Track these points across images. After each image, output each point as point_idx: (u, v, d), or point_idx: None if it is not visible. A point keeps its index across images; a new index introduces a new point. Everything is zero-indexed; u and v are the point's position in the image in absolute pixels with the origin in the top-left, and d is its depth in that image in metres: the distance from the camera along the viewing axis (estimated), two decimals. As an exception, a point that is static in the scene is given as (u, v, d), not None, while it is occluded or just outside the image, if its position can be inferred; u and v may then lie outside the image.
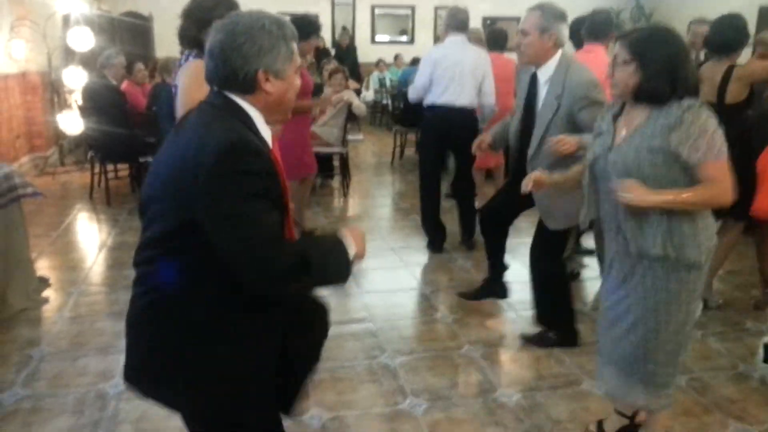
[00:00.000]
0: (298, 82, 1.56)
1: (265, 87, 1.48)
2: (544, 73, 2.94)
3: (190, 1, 2.63)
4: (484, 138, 3.42)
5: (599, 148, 2.16)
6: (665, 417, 2.36)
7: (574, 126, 2.83)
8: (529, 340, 3.31)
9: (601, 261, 3.98)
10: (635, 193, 1.94)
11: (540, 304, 3.34)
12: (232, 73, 1.45)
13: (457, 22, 4.43)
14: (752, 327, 3.53)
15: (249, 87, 1.47)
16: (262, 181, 1.39)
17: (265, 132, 1.53)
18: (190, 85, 2.47)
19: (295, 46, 1.52)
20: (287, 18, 1.54)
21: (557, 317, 3.30)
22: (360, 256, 1.56)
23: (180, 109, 2.62)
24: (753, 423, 2.63)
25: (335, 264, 1.51)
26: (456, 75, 4.32)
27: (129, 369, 1.60)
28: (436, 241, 4.76)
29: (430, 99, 4.43)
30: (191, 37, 2.54)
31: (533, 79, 3.02)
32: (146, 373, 1.58)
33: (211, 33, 1.48)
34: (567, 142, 2.69)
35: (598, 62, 3.58)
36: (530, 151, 3.00)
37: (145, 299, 1.54)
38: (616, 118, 2.15)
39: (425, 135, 4.76)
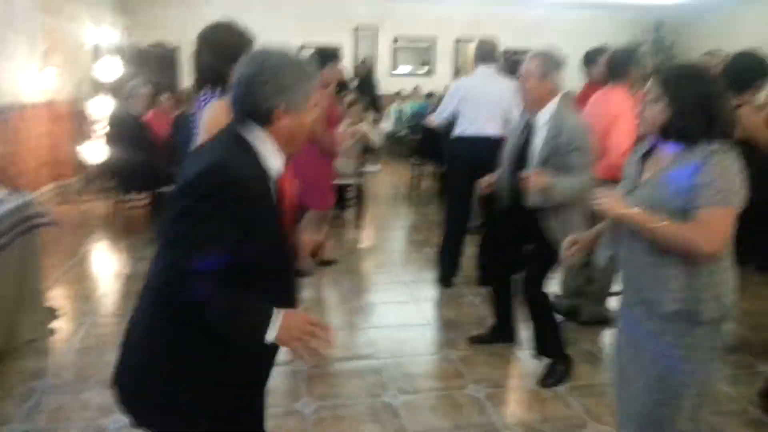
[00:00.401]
0: (312, 118, 1.64)
1: (282, 121, 1.57)
2: (542, 118, 3.03)
3: (210, 38, 2.62)
4: (490, 181, 3.36)
5: (623, 188, 2.09)
6: None
7: (562, 168, 2.93)
8: (545, 383, 3.24)
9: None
10: (609, 201, 1.88)
11: (539, 335, 3.33)
12: (254, 104, 1.56)
13: (484, 53, 4.51)
14: (766, 370, 3.42)
15: (266, 119, 1.57)
16: (233, 207, 1.46)
17: (274, 161, 1.60)
18: (209, 123, 2.51)
19: (313, 84, 1.62)
20: (308, 56, 1.62)
21: (557, 343, 3.31)
22: (284, 338, 1.48)
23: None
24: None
25: (246, 322, 1.50)
26: (483, 105, 4.38)
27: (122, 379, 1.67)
28: (448, 276, 4.72)
29: (459, 130, 4.48)
30: (216, 73, 2.50)
31: (527, 126, 3.11)
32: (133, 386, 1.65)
33: (239, 65, 1.59)
34: (538, 180, 2.83)
35: (614, 102, 3.56)
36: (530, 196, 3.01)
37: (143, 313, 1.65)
38: (645, 158, 2.07)
39: (453, 165, 4.74)
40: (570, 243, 2.30)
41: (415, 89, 12.14)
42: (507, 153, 3.26)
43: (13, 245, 3.40)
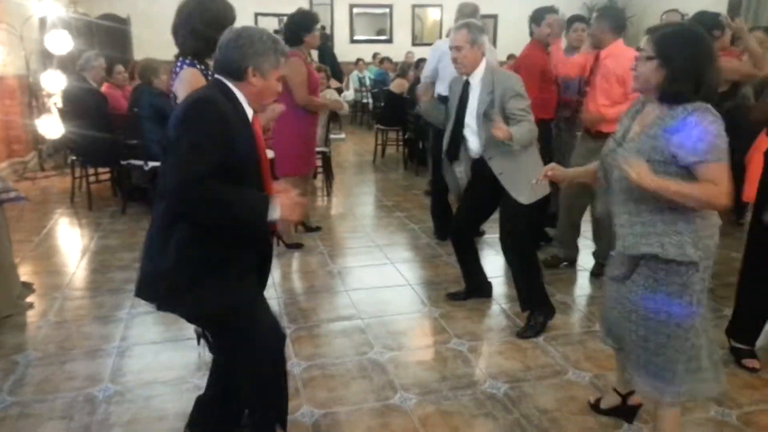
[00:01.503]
0: (278, 88, 2.05)
1: (251, 80, 1.96)
2: (475, 78, 3.35)
3: (203, 7, 2.73)
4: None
5: (612, 143, 2.19)
6: (673, 420, 2.26)
7: (504, 116, 3.22)
8: (524, 335, 3.35)
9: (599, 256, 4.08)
10: (637, 170, 1.91)
11: (522, 288, 3.45)
12: (230, 62, 1.95)
13: (462, 16, 4.56)
14: (729, 313, 3.59)
15: (239, 76, 1.96)
16: (209, 132, 1.82)
17: (247, 109, 2.00)
18: (189, 85, 2.69)
19: (282, 60, 2.01)
20: (280, 37, 2.05)
21: (538, 295, 3.42)
22: (284, 216, 1.88)
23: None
24: (732, 407, 2.70)
25: (250, 205, 1.87)
26: None
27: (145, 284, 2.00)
28: (442, 229, 4.87)
29: (439, 90, 4.63)
30: (205, 40, 2.69)
31: (465, 86, 3.40)
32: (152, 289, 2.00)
33: (224, 34, 1.98)
34: (501, 128, 3.08)
35: (629, 53, 3.69)
36: (477, 146, 3.37)
37: (151, 233, 2.01)
38: (636, 114, 2.17)
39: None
40: (549, 169, 2.45)
41: (375, 56, 12.08)
42: (450, 110, 3.55)
43: (-21, 221, 3.31)
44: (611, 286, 2.31)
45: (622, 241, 2.12)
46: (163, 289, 1.95)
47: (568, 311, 3.66)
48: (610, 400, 2.61)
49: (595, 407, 2.65)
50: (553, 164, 2.54)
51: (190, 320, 2.27)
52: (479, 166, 3.40)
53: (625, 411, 2.58)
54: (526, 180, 3.20)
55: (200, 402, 2.37)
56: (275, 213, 1.85)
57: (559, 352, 3.18)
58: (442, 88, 4.55)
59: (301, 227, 5.02)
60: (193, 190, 1.77)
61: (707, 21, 3.69)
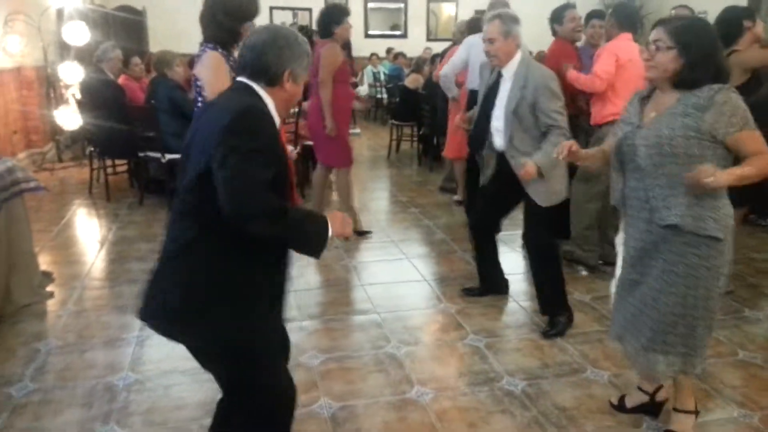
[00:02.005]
0: (300, 91, 1.90)
1: (285, 85, 1.82)
2: (509, 70, 3.24)
3: (217, 6, 2.83)
4: (466, 115, 3.67)
5: (626, 129, 2.26)
6: (689, 392, 2.44)
7: (534, 113, 3.16)
8: (549, 333, 3.32)
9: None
10: (717, 176, 1.99)
11: (542, 291, 3.41)
12: (267, 66, 1.78)
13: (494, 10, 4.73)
14: (750, 315, 3.58)
15: (274, 81, 1.80)
16: (265, 144, 1.67)
17: (276, 117, 1.82)
18: (211, 78, 2.80)
19: (309, 63, 1.88)
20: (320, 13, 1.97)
21: (559, 299, 3.39)
22: (338, 234, 1.78)
23: (209, 92, 2.85)
24: (754, 409, 2.68)
25: (311, 231, 1.74)
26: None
27: (148, 308, 1.80)
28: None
29: (470, 84, 4.80)
30: (228, 31, 2.76)
31: (498, 77, 3.32)
32: (166, 312, 1.77)
33: (253, 33, 1.83)
34: (528, 171, 3.04)
35: (634, 49, 3.71)
36: (501, 141, 3.27)
37: (173, 254, 1.79)
38: (644, 101, 2.26)
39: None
40: (572, 144, 2.44)
41: (389, 51, 12.05)
42: (480, 103, 3.46)
43: (0, 210, 3.34)
44: (627, 290, 2.36)
45: (658, 213, 2.18)
46: (173, 313, 1.75)
47: (586, 310, 3.65)
48: (636, 399, 2.61)
49: (619, 407, 2.63)
50: (573, 141, 2.53)
51: (198, 354, 1.88)
52: (503, 161, 3.31)
53: (653, 407, 2.59)
54: (548, 184, 3.18)
55: None
56: (330, 231, 1.76)
57: (577, 350, 3.16)
58: (471, 82, 4.75)
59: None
60: (257, 204, 1.61)
61: (739, 12, 3.70)
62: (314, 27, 4.66)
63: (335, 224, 1.78)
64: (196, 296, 1.72)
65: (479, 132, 3.42)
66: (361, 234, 4.97)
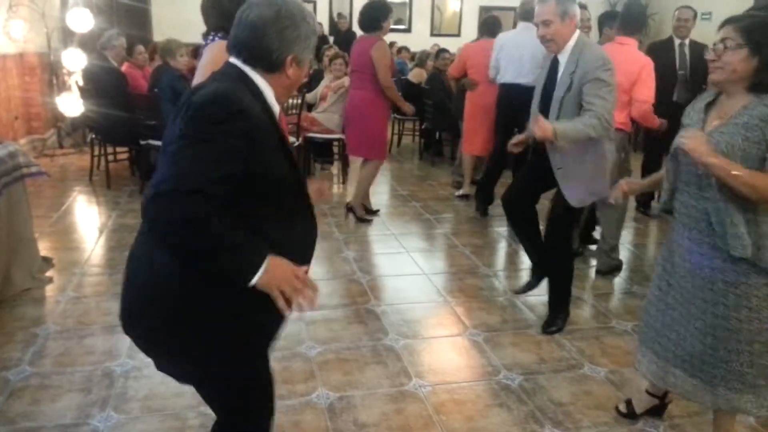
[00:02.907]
0: (304, 75, 1.66)
1: (288, 71, 1.55)
2: (564, 55, 2.98)
3: None
4: (520, 139, 3.23)
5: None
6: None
7: (579, 102, 2.90)
8: (549, 330, 3.29)
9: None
10: (695, 143, 1.86)
11: (554, 290, 3.37)
12: (267, 50, 1.50)
13: (523, 12, 5.01)
14: None
15: (275, 67, 1.53)
16: (231, 137, 1.39)
17: (274, 105, 1.57)
18: (209, 62, 2.64)
19: (315, 41, 1.61)
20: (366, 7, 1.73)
21: (565, 300, 3.37)
22: (263, 284, 1.41)
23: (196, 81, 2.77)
24: None
25: (237, 257, 1.40)
26: (516, 57, 4.86)
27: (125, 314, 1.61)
28: (485, 205, 5.31)
29: (500, 78, 5.03)
30: (214, 25, 2.71)
31: (554, 63, 3.06)
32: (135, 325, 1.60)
33: (251, 6, 1.51)
34: (541, 126, 2.76)
35: (629, 57, 3.70)
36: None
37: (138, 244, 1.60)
38: (708, 107, 2.09)
39: (497, 110, 5.18)
40: (624, 184, 2.38)
41: (392, 46, 11.98)
42: (535, 94, 3.24)
43: (1, 195, 3.33)
44: (673, 276, 2.18)
45: (722, 239, 1.99)
46: (146, 325, 1.55)
47: (583, 306, 3.65)
48: (646, 403, 2.55)
49: (629, 415, 2.56)
50: (626, 179, 2.47)
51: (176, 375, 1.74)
52: (543, 146, 3.06)
53: (661, 409, 2.57)
54: (583, 182, 3.04)
55: None
56: (257, 275, 1.39)
57: (574, 346, 3.17)
58: (501, 76, 4.99)
59: (362, 211, 5.14)
60: (175, 199, 1.32)
61: None
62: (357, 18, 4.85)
63: (274, 273, 1.41)
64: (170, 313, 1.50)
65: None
66: (361, 221, 5.06)
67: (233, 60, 1.55)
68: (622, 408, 2.60)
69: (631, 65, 3.67)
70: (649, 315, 2.30)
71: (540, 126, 2.77)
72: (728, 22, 1.97)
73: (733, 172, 1.85)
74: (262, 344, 1.67)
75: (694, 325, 2.10)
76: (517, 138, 3.23)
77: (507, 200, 3.37)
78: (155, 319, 1.52)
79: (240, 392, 1.66)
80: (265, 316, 1.54)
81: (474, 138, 5.60)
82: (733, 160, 1.88)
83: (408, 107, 5.09)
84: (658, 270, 2.28)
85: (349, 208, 5.10)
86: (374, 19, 4.63)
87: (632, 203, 5.09)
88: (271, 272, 1.41)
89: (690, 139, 1.90)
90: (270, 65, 1.52)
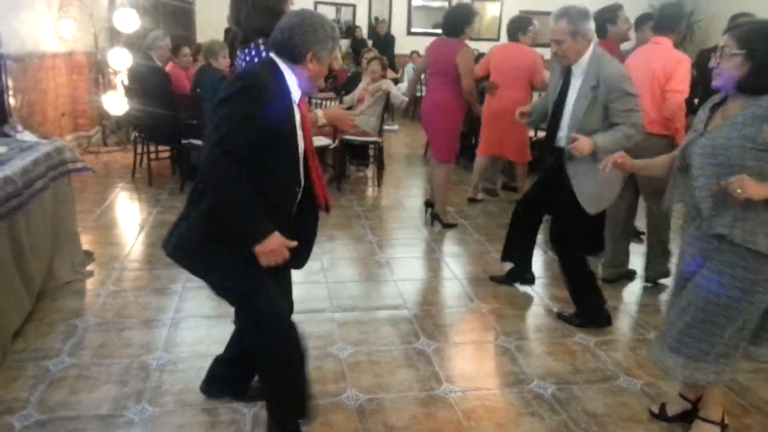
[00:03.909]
0: (325, 71, 2.18)
1: (309, 65, 2.07)
2: (579, 68, 3.13)
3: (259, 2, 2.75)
4: (525, 108, 3.56)
5: (693, 134, 2.23)
6: (716, 402, 2.41)
7: (606, 114, 3.07)
8: (565, 317, 3.46)
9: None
10: (744, 187, 1.96)
11: (570, 285, 3.47)
12: (292, 46, 2.04)
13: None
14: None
15: (298, 60, 2.06)
16: (249, 104, 1.93)
17: (294, 89, 2.09)
18: None
19: (336, 47, 2.16)
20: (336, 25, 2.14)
21: (586, 299, 3.41)
22: (261, 252, 2.00)
23: None
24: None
25: (245, 219, 1.98)
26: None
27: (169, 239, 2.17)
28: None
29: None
30: (263, 32, 2.66)
31: (567, 73, 3.20)
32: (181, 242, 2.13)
33: (286, 16, 2.11)
34: (578, 147, 2.97)
35: (665, 54, 3.65)
36: (564, 138, 3.18)
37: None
38: (715, 107, 2.22)
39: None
40: (619, 156, 2.49)
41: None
42: (553, 100, 3.33)
43: (48, 189, 3.44)
44: (683, 274, 2.35)
45: (707, 223, 2.15)
46: (182, 245, 2.10)
47: (619, 317, 3.58)
48: (677, 407, 2.57)
49: (660, 416, 2.59)
50: (622, 152, 2.54)
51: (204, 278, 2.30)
52: (556, 155, 3.28)
53: (693, 415, 2.53)
54: (599, 190, 3.18)
55: (217, 361, 2.59)
56: (259, 245, 1.98)
57: (610, 357, 3.11)
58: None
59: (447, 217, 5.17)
60: (214, 157, 1.92)
61: None
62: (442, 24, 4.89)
63: (268, 245, 1.99)
64: (201, 238, 2.07)
65: (552, 129, 3.32)
66: (447, 226, 5.06)
67: (271, 54, 2.10)
68: (655, 409, 2.62)
69: (668, 61, 3.60)
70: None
71: (578, 147, 2.96)
72: (729, 30, 2.10)
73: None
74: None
75: (681, 304, 2.27)
76: (523, 109, 3.51)
77: (518, 205, 3.66)
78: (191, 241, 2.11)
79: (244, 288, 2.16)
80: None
81: (487, 140, 5.62)
82: (730, 154, 2.04)
83: (480, 111, 5.38)
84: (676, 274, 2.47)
85: (434, 215, 5.08)
86: (458, 24, 4.69)
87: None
88: (266, 246, 1.99)
89: (740, 189, 1.99)
90: (294, 58, 2.06)
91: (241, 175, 1.93)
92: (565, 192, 3.24)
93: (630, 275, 4.10)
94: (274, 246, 1.99)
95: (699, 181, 2.17)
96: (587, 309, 3.41)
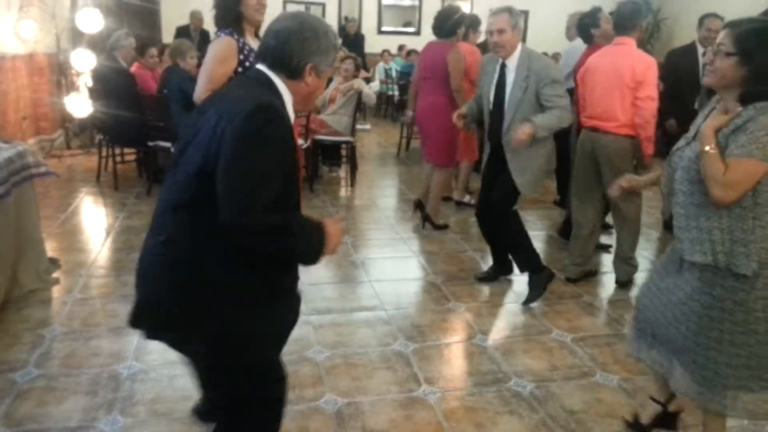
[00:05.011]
0: (323, 87, 1.81)
1: (307, 79, 1.69)
2: (512, 61, 3.46)
3: None
4: (460, 110, 3.82)
5: (682, 141, 2.11)
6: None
7: (538, 101, 3.40)
8: (531, 300, 3.63)
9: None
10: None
11: (516, 254, 3.77)
12: (289, 57, 1.65)
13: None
14: None
15: (295, 73, 1.68)
16: (280, 145, 1.56)
17: (291, 112, 1.70)
18: (215, 58, 2.69)
19: (336, 57, 1.76)
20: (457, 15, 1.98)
21: (534, 260, 3.69)
22: (329, 251, 1.70)
23: (200, 78, 2.78)
24: None
25: (311, 243, 1.66)
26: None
27: (139, 313, 1.75)
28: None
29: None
30: (234, 13, 2.78)
31: (502, 68, 3.51)
32: (159, 319, 1.71)
33: (279, 18, 1.70)
34: (521, 131, 3.27)
35: (632, 58, 3.62)
36: (504, 127, 3.50)
37: (162, 248, 1.68)
38: (710, 114, 2.07)
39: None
40: (625, 181, 2.44)
41: (401, 48, 11.98)
42: (483, 91, 3.65)
43: (11, 195, 3.32)
44: (662, 277, 2.21)
45: (680, 245, 2.05)
46: (174, 311, 1.66)
47: (595, 313, 3.61)
48: (650, 411, 2.48)
49: (635, 425, 2.47)
50: (627, 176, 2.50)
51: (197, 356, 1.82)
52: (498, 147, 3.58)
53: (668, 419, 2.46)
54: (534, 177, 3.54)
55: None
56: (326, 243, 1.69)
57: (586, 353, 3.12)
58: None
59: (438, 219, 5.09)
60: (258, 220, 1.51)
61: None
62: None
63: (331, 239, 1.70)
64: (189, 298, 1.63)
65: (496, 123, 3.56)
66: (438, 228, 5.00)
67: (260, 66, 1.70)
68: (629, 418, 2.51)
69: (637, 66, 3.57)
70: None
71: (518, 137, 3.28)
72: (728, 26, 1.94)
73: (705, 148, 1.88)
74: (276, 342, 1.83)
75: (670, 314, 2.13)
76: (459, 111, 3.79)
77: (479, 214, 3.87)
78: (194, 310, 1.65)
79: (251, 383, 1.77)
80: (282, 311, 1.78)
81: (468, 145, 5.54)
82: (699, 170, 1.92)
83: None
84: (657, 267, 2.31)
85: (426, 217, 5.00)
86: (449, 25, 4.72)
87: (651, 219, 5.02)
88: (331, 239, 1.69)
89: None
90: (291, 71, 1.67)
91: (280, 217, 1.55)
92: (505, 176, 3.56)
93: (593, 274, 4.12)
94: (334, 231, 1.71)
95: (677, 198, 2.04)
96: (533, 265, 3.67)
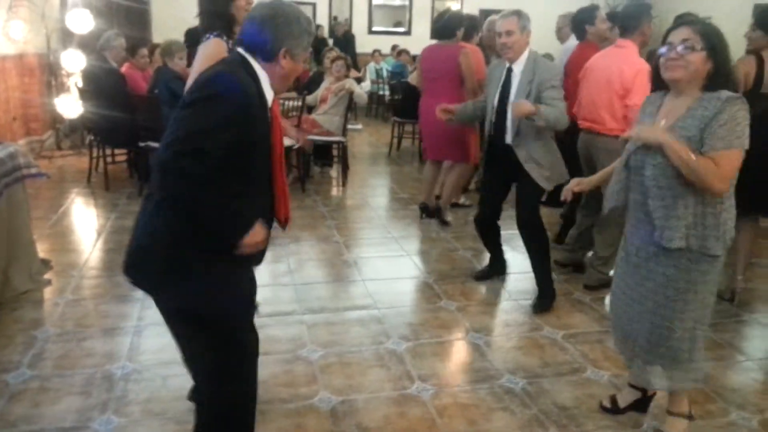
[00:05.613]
0: (300, 69, 1.93)
1: (282, 62, 1.83)
2: (519, 65, 3.46)
3: None
4: (451, 106, 3.90)
5: (630, 145, 2.24)
6: (683, 396, 2.43)
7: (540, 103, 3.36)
8: (537, 310, 3.58)
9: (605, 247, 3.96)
10: (650, 129, 2.07)
11: (536, 268, 3.66)
12: (263, 41, 1.80)
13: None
14: (749, 319, 3.58)
15: (270, 56, 1.82)
16: (228, 121, 1.66)
17: (268, 91, 1.85)
18: (204, 57, 2.69)
19: (310, 43, 1.90)
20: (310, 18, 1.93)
21: (548, 278, 3.66)
22: (246, 244, 1.76)
23: (190, 78, 2.80)
24: (754, 412, 2.67)
25: (226, 217, 1.72)
26: None
27: (126, 258, 1.87)
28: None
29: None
30: (225, 17, 2.80)
31: (508, 72, 3.50)
32: (137, 263, 1.85)
33: (257, 7, 1.89)
34: (524, 104, 3.25)
35: (624, 62, 3.60)
36: (509, 135, 3.50)
37: (144, 202, 1.86)
38: (657, 110, 2.24)
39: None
40: (574, 185, 2.55)
41: (393, 48, 12.00)
42: (489, 96, 3.63)
43: (2, 196, 3.31)
44: (628, 277, 2.37)
45: (660, 233, 2.16)
46: (147, 270, 1.81)
47: (586, 310, 3.64)
48: (628, 397, 2.62)
49: (612, 410, 2.61)
50: (575, 180, 2.61)
51: (169, 318, 1.92)
52: (502, 152, 3.54)
53: (644, 403, 2.61)
54: (550, 167, 3.51)
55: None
56: (248, 232, 1.76)
57: (577, 350, 3.15)
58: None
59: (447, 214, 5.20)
60: (179, 160, 1.61)
61: None
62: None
63: (256, 234, 1.77)
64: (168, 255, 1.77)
65: (499, 127, 3.55)
66: (444, 224, 5.11)
67: (238, 49, 1.85)
68: (607, 403, 2.64)
69: (626, 71, 3.54)
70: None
71: (519, 105, 3.24)
72: (686, 23, 2.11)
73: (684, 156, 2.00)
74: (244, 309, 1.95)
75: (639, 309, 2.31)
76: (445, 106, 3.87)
77: (481, 223, 3.88)
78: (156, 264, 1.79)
79: (225, 358, 1.88)
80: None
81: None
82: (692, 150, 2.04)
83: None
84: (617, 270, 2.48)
85: (438, 209, 5.11)
86: (451, 26, 4.77)
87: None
88: (253, 236, 1.77)
89: (644, 129, 2.12)
90: (266, 54, 1.81)
91: (209, 171, 1.64)
92: (522, 181, 3.53)
93: (582, 269, 4.15)
94: (260, 237, 1.78)
95: (651, 191, 2.16)
96: (549, 289, 3.65)
